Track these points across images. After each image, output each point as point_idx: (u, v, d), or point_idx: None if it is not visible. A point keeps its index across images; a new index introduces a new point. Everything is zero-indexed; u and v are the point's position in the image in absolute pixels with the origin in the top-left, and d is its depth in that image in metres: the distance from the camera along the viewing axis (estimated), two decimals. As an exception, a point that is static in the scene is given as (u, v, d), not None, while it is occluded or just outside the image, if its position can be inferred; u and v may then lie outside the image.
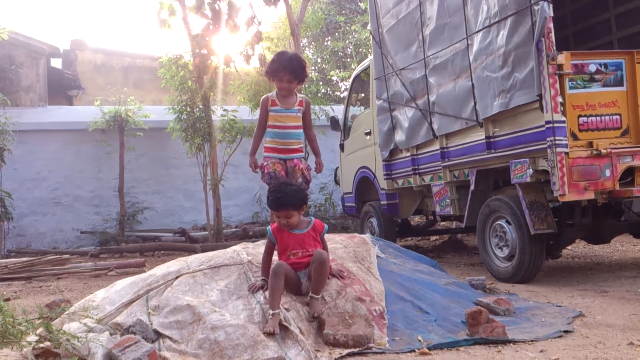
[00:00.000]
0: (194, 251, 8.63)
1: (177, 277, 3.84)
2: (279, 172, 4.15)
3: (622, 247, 7.49)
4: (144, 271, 5.38)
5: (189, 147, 10.91)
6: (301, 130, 4.35)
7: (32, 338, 3.23)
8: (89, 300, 3.96)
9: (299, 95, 4.35)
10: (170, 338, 3.35)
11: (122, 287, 3.97)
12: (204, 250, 7.59)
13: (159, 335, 3.40)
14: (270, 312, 3.33)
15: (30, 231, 12.26)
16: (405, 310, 3.77)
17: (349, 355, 3.20)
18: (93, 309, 3.71)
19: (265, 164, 4.22)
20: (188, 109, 10.77)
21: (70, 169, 12.60)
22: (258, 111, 4.37)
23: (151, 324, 3.48)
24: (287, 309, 3.46)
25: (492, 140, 5.63)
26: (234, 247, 4.36)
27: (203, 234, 11.23)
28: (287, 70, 4.18)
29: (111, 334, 3.40)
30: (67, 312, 3.79)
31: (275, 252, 3.76)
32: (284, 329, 3.28)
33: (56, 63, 16.78)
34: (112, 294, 3.93)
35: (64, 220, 12.47)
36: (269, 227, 3.79)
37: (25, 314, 3.55)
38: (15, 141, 11.05)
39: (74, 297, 5.55)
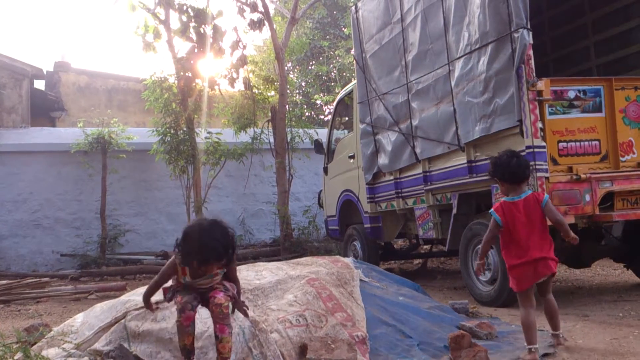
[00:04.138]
0: (176, 274, 8.55)
1: (157, 303, 3.79)
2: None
3: (603, 271, 7.55)
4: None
5: (173, 169, 10.88)
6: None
7: (9, 363, 3.18)
8: (68, 325, 3.91)
9: None
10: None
11: (101, 312, 3.93)
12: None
13: (139, 361, 3.36)
14: None
15: (10, 254, 12.07)
16: (388, 335, 3.76)
17: (331, 380, 3.18)
18: (72, 334, 3.66)
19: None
20: (172, 131, 10.76)
21: (52, 191, 12.46)
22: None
23: (131, 349, 3.44)
24: (270, 331, 3.45)
25: (473, 164, 5.68)
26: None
27: (185, 257, 11.13)
28: (218, 259, 3.17)
29: (90, 360, 3.36)
30: (46, 337, 3.74)
31: None
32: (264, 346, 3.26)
33: (39, 84, 16.70)
34: (91, 319, 3.88)
35: (44, 242, 12.30)
36: None
37: (3, 338, 3.49)
38: (-4, 162, 10.96)
39: (53, 321, 5.47)
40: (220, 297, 3.15)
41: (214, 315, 3.14)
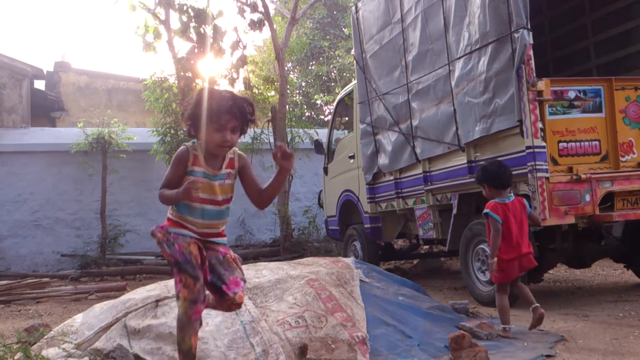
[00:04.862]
0: (176, 274, 8.53)
1: (157, 301, 3.80)
2: (194, 256, 2.70)
3: (603, 271, 7.55)
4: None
5: (173, 169, 10.85)
6: (229, 205, 2.92)
7: (9, 363, 3.18)
8: (67, 325, 3.91)
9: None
10: (151, 363, 3.31)
11: (100, 312, 3.93)
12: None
13: (139, 360, 3.36)
14: None
15: (10, 254, 12.08)
16: (388, 335, 3.76)
17: (331, 380, 3.18)
18: (72, 334, 3.66)
19: (172, 239, 2.76)
20: (172, 132, 10.76)
21: (52, 191, 12.47)
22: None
23: (131, 347, 3.44)
24: (271, 332, 3.45)
25: (473, 164, 5.68)
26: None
27: (186, 257, 11.12)
28: (233, 114, 2.70)
29: (90, 360, 3.36)
30: (46, 337, 3.74)
31: None
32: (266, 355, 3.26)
33: (39, 85, 16.72)
34: (90, 319, 3.88)
35: (44, 242, 12.31)
36: None
37: (3, 338, 3.49)
38: (-4, 163, 10.96)
39: (53, 322, 5.47)
40: (242, 294, 2.77)
41: (227, 310, 2.81)
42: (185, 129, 2.82)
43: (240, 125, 2.75)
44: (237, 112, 2.70)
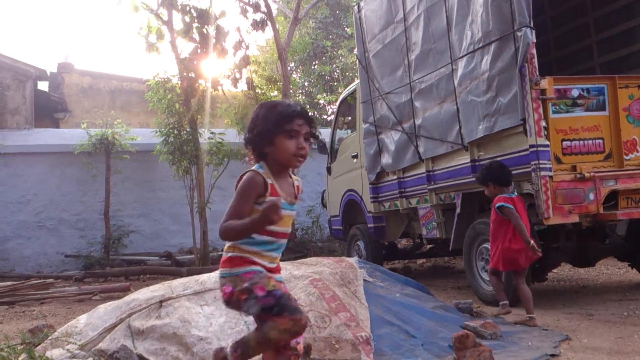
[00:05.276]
0: (179, 275, 8.54)
1: (161, 302, 3.80)
2: (284, 289, 2.38)
3: (607, 270, 7.53)
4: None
5: (176, 170, 10.87)
6: None
7: (13, 364, 3.18)
8: (71, 326, 3.91)
9: (293, 177, 2.51)
10: (155, 364, 3.31)
11: (104, 312, 3.94)
12: (190, 274, 7.54)
13: (143, 360, 3.36)
14: None
15: (14, 255, 12.10)
16: (392, 335, 3.76)
17: (335, 380, 3.18)
18: (76, 335, 3.66)
19: (248, 285, 2.28)
20: (175, 132, 10.75)
21: (56, 192, 12.49)
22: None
23: (135, 348, 3.44)
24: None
25: (477, 163, 5.67)
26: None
27: (189, 257, 11.15)
28: (305, 118, 2.39)
29: (94, 360, 3.37)
30: (50, 338, 3.75)
31: None
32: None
33: (43, 86, 16.74)
34: (94, 319, 3.89)
35: (49, 243, 12.34)
36: None
37: (7, 339, 3.50)
38: (-1, 164, 10.98)
39: (57, 323, 5.47)
40: (302, 341, 2.39)
41: None
42: (250, 150, 2.41)
43: (310, 134, 2.38)
44: (306, 116, 2.37)
